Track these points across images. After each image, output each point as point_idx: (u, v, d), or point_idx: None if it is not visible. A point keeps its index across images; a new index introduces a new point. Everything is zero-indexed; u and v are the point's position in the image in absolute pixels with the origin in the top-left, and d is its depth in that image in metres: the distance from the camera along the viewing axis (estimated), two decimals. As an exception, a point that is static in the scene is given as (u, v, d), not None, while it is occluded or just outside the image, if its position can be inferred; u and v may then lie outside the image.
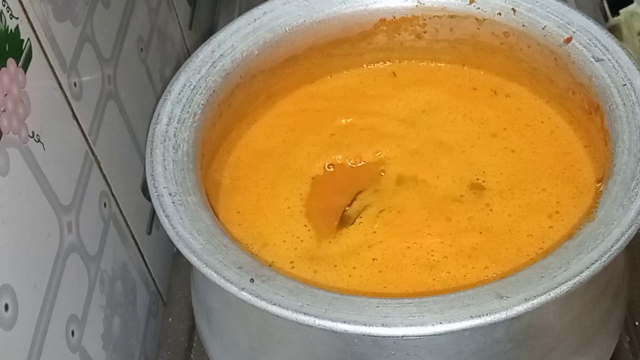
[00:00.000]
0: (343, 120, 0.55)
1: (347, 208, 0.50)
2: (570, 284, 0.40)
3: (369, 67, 0.58)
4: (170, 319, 0.62)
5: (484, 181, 0.51)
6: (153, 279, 0.66)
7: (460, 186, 0.51)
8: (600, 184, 0.45)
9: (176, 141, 0.48)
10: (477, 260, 0.47)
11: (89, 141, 0.55)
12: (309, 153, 0.54)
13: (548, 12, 0.52)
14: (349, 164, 0.53)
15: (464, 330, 0.39)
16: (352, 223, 0.50)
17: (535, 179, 0.51)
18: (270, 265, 0.47)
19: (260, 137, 0.55)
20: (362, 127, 0.55)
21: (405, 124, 0.55)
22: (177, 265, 0.66)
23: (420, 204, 0.50)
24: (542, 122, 0.54)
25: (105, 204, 0.57)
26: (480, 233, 0.48)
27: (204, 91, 0.51)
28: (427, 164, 0.52)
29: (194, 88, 0.50)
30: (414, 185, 0.51)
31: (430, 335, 0.39)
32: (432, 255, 0.47)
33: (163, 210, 0.44)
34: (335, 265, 0.48)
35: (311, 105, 0.56)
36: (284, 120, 0.56)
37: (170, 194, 0.45)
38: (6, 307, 0.43)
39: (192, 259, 0.42)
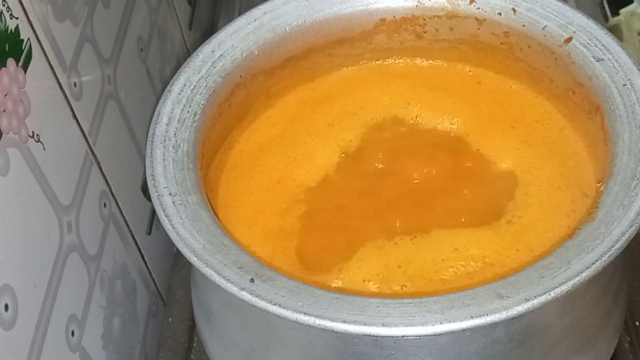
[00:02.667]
0: (343, 104, 0.55)
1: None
2: (570, 284, 0.39)
3: (369, 63, 0.58)
4: (170, 319, 0.62)
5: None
6: (153, 279, 0.66)
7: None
8: (600, 183, 0.45)
9: (176, 141, 0.48)
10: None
11: (89, 141, 0.55)
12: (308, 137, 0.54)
13: (548, 12, 0.52)
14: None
15: (464, 330, 0.39)
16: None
17: (550, 176, 0.50)
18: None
19: (261, 128, 0.55)
20: (362, 106, 0.55)
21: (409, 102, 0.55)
22: (177, 265, 0.66)
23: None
24: (550, 119, 0.53)
25: (105, 204, 0.57)
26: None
27: (204, 91, 0.51)
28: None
29: (194, 88, 0.50)
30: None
31: (431, 335, 0.39)
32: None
33: (163, 210, 0.44)
34: None
35: (312, 96, 0.57)
36: (284, 112, 0.56)
37: (170, 194, 0.45)
38: (6, 307, 0.43)
39: (192, 259, 0.42)
